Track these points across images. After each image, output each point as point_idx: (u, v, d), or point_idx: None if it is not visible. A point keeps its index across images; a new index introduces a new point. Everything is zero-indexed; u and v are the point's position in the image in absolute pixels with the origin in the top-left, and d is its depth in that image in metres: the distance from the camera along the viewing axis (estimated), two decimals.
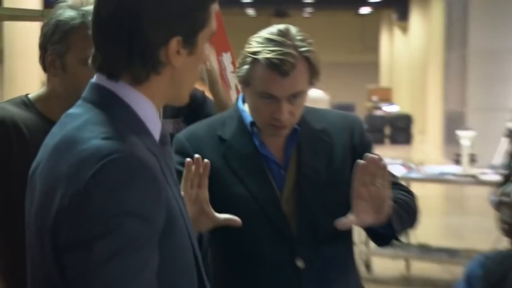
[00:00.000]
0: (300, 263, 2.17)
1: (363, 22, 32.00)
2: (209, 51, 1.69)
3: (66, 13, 2.25)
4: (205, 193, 2.01)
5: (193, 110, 3.09)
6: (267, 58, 2.10)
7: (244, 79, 2.17)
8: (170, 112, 3.05)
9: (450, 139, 13.70)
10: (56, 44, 2.25)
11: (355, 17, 31.72)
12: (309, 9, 29.59)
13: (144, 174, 1.47)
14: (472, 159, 7.17)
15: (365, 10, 29.49)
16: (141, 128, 1.56)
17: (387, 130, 23.43)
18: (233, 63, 3.43)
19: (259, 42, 2.14)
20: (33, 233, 1.56)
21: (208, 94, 3.20)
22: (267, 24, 2.40)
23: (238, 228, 2.08)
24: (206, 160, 2.01)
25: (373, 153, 2.11)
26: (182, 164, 2.04)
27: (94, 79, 1.60)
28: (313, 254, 2.18)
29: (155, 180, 1.48)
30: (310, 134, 2.25)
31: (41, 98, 2.35)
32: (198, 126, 2.31)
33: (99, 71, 1.58)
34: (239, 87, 2.23)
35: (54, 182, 1.49)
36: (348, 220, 2.08)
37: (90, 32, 2.23)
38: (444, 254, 7.14)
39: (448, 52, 16.70)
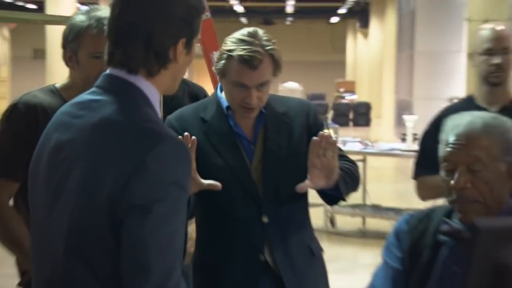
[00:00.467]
0: (265, 219, 2.16)
1: (333, 29, 31.93)
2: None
3: (78, 17, 2.27)
4: (193, 163, 1.99)
5: None
6: (240, 55, 2.08)
7: (221, 71, 2.15)
8: None
9: (399, 122, 13.66)
10: (71, 43, 2.25)
11: (326, 25, 31.62)
12: (290, 19, 29.54)
13: (184, 151, 1.49)
14: (415, 138, 7.16)
15: (334, 19, 29.41)
16: (154, 112, 1.55)
17: (351, 115, 23.37)
18: None
19: (233, 42, 2.12)
20: (70, 205, 1.47)
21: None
22: None
23: (217, 191, 2.07)
24: (193, 137, 2.00)
25: (324, 132, 2.11)
26: None
27: (110, 71, 1.56)
28: (275, 211, 2.17)
29: (188, 157, 1.51)
30: (274, 116, 2.23)
31: (65, 87, 2.35)
32: (185, 109, 2.28)
33: (118, 66, 1.54)
34: (218, 77, 2.20)
35: (103, 158, 1.44)
36: (305, 184, 2.09)
37: (96, 32, 2.22)
38: (392, 213, 7.14)
39: (399, 52, 16.64)
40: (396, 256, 1.88)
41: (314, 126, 2.25)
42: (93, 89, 1.57)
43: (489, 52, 2.72)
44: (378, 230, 7.25)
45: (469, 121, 1.78)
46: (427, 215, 1.89)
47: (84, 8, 2.37)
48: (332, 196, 2.18)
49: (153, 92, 1.55)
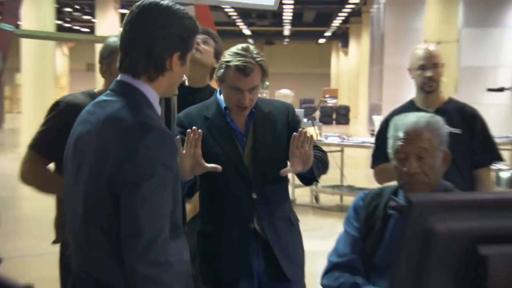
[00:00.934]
0: (254, 195, 2.14)
1: (320, 48, 31.90)
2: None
3: (111, 39, 2.27)
4: (199, 151, 1.97)
5: None
6: (236, 65, 2.06)
7: (220, 78, 2.12)
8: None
9: (371, 121, 13.65)
10: (106, 59, 2.25)
11: (315, 45, 31.58)
12: (287, 40, 29.48)
13: (170, 140, 1.48)
14: None
15: (322, 40, 29.37)
16: (152, 110, 1.54)
17: (334, 115, 23.42)
18: None
19: (230, 55, 2.10)
20: (85, 180, 1.49)
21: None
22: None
23: (216, 173, 2.04)
24: (199, 130, 1.97)
25: (301, 128, 2.10)
26: (181, 133, 2.04)
27: (119, 77, 1.56)
28: (262, 189, 2.14)
29: (174, 144, 1.50)
30: (262, 114, 2.20)
31: (100, 92, 2.32)
32: (191, 108, 2.25)
33: (125, 72, 1.55)
34: (217, 83, 2.17)
35: (107, 145, 1.45)
36: (287, 169, 2.07)
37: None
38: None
39: (371, 67, 16.56)
40: (354, 226, 1.88)
41: (293, 122, 2.23)
42: (107, 91, 1.58)
43: (423, 67, 2.73)
44: None
45: (415, 120, 1.79)
46: (379, 193, 1.88)
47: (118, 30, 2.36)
48: (308, 178, 2.16)
49: (152, 94, 1.55)
